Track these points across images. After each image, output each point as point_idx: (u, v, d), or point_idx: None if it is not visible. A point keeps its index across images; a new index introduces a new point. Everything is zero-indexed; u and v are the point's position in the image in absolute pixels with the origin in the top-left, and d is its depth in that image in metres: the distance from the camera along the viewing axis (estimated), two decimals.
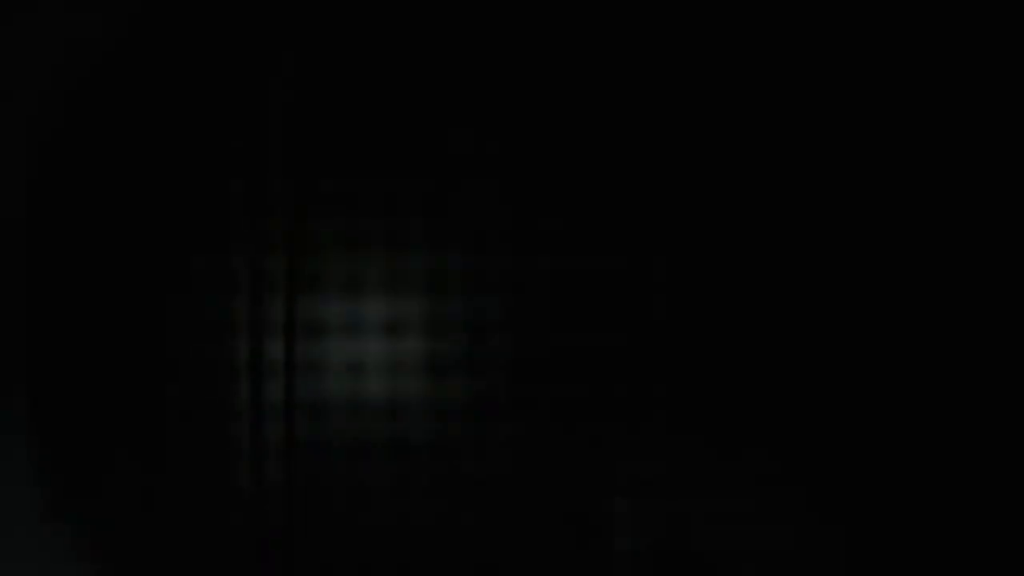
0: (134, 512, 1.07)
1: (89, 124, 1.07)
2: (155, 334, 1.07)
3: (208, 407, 1.07)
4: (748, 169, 1.08)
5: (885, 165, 1.08)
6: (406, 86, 1.07)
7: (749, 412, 1.08)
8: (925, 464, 1.07)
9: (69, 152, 1.07)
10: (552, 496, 1.07)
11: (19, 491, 1.07)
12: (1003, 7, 1.06)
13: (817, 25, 1.08)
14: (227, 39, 1.08)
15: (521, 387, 1.07)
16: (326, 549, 1.07)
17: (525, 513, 1.07)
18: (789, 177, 1.08)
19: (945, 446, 1.07)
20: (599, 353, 1.07)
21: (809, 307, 1.08)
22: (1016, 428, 1.07)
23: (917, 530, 1.08)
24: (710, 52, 1.08)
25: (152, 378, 1.07)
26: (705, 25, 1.08)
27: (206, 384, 1.07)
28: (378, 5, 1.08)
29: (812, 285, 1.08)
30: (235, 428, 1.07)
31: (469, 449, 1.07)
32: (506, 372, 1.07)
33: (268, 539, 1.06)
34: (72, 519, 1.07)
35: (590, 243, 1.07)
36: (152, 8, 1.07)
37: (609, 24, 1.07)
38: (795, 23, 1.08)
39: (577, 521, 1.07)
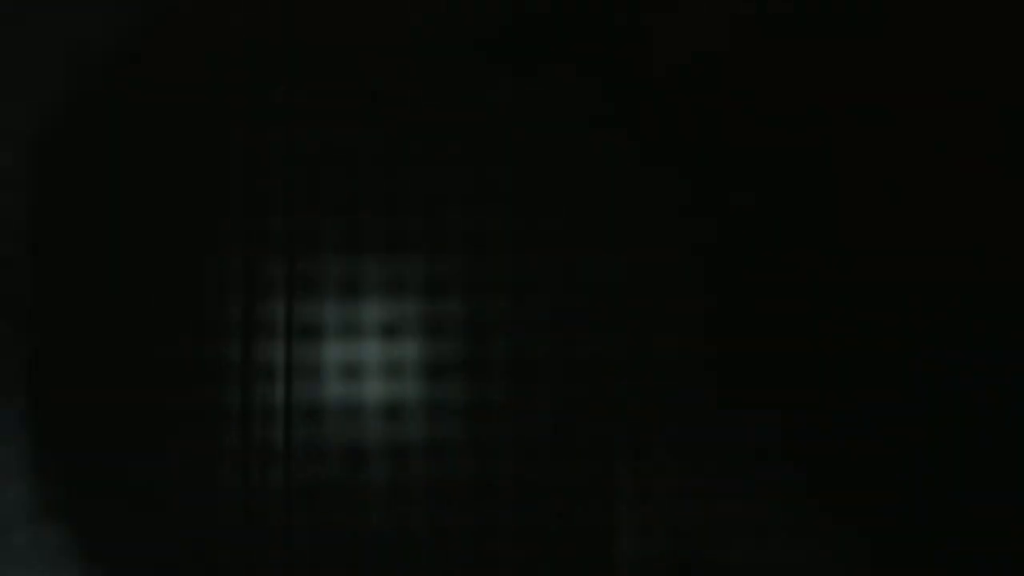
0: (131, 513, 1.06)
1: (90, 122, 1.08)
2: (154, 334, 1.07)
3: (204, 409, 1.07)
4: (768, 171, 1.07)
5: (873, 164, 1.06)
6: None
7: (761, 416, 1.06)
8: (941, 472, 1.06)
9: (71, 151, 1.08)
10: (554, 501, 1.06)
11: (15, 491, 1.07)
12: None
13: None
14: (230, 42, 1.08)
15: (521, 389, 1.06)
16: (323, 551, 1.07)
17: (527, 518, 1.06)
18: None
19: (957, 454, 1.06)
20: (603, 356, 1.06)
21: (822, 309, 1.06)
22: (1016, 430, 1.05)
23: (935, 540, 1.06)
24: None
25: (149, 379, 1.07)
26: None
27: (203, 386, 1.07)
28: None
29: (822, 287, 1.07)
30: (232, 431, 1.07)
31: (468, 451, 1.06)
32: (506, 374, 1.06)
33: (265, 542, 1.06)
34: (68, 520, 1.07)
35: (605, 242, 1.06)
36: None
37: None
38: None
39: (580, 527, 1.06)
